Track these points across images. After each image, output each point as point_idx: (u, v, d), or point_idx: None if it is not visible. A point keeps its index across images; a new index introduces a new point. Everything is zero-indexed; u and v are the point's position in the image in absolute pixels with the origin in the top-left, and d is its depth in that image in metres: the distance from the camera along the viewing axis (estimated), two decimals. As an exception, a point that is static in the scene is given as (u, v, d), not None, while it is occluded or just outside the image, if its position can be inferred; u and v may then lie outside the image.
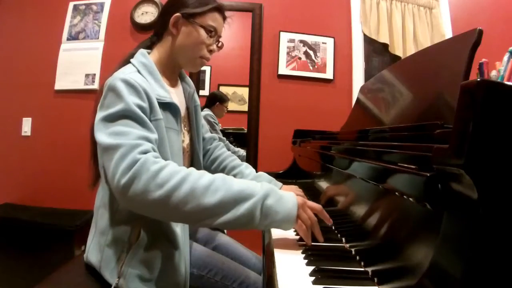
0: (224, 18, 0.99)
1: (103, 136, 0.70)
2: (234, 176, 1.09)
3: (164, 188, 0.64)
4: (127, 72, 0.81)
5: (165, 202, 0.64)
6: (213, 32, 0.95)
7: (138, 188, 0.64)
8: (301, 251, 0.67)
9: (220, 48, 1.01)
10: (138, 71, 0.85)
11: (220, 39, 1.00)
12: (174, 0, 0.96)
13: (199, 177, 0.67)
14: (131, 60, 0.89)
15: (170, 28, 0.92)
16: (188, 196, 0.64)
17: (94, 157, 0.88)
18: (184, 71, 1.07)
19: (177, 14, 0.91)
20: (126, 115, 0.71)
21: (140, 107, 0.74)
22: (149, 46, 0.98)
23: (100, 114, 0.74)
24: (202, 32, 0.93)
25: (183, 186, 0.64)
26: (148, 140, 0.71)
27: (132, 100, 0.73)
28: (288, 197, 0.69)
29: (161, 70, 0.92)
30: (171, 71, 0.99)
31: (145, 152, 0.67)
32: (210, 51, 0.96)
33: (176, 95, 0.98)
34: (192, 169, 0.70)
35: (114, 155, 0.66)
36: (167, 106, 0.86)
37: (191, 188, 0.64)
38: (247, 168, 1.13)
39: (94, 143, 0.86)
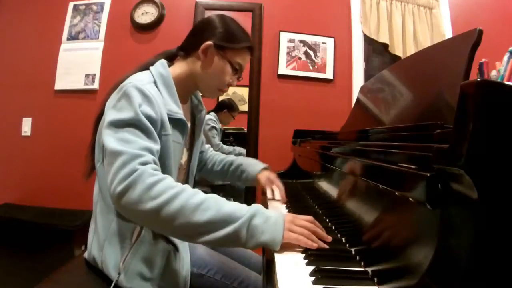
0: (252, 55, 0.98)
1: (110, 140, 0.71)
2: (225, 164, 1.17)
3: (156, 201, 0.65)
4: (144, 81, 0.81)
5: (156, 215, 0.65)
6: (238, 70, 0.95)
7: (131, 197, 0.65)
8: (301, 251, 0.67)
9: (238, 81, 1.00)
10: (155, 82, 0.84)
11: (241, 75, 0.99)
12: (210, 25, 0.93)
13: (192, 195, 0.67)
14: (150, 68, 0.89)
15: (199, 53, 0.91)
16: (178, 212, 0.65)
17: (91, 149, 0.88)
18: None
19: (210, 42, 0.90)
20: (134, 123, 0.73)
21: (150, 117, 0.76)
22: (171, 58, 0.97)
23: (111, 115, 0.75)
24: (228, 67, 0.93)
25: (174, 202, 0.65)
26: (150, 151, 0.72)
27: (143, 110, 0.75)
28: (276, 218, 0.67)
29: (177, 86, 0.90)
30: (187, 90, 0.98)
31: (144, 163, 0.69)
32: (229, 85, 0.97)
33: (183, 112, 0.98)
34: (187, 186, 0.70)
35: (115, 161, 0.68)
36: (177, 122, 0.86)
37: (182, 204, 0.65)
38: (233, 157, 1.19)
39: (94, 135, 0.87)
